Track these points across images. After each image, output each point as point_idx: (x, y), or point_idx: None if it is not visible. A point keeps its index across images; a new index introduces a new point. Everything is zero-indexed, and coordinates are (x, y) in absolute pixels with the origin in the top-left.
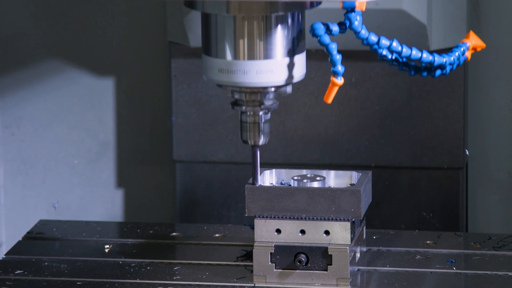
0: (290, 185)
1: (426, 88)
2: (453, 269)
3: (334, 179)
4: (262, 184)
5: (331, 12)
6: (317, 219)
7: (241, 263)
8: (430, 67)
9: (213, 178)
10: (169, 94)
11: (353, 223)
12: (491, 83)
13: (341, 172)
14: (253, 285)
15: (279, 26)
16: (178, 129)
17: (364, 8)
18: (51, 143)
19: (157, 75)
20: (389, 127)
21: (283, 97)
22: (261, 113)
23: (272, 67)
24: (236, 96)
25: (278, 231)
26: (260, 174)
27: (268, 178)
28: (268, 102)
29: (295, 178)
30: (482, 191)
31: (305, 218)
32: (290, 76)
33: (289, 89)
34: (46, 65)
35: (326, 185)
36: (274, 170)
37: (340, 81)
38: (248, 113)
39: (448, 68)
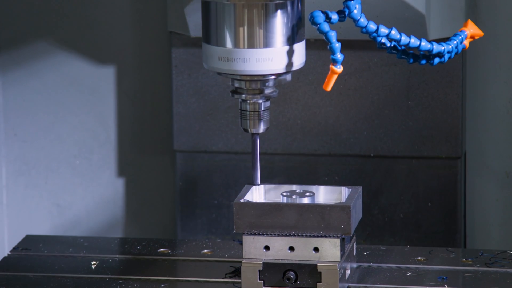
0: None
1: (424, 78)
2: (445, 286)
3: (323, 194)
4: (250, 200)
5: (330, 1)
6: (306, 235)
7: (229, 280)
8: (429, 55)
9: (213, 167)
10: (170, 84)
11: (343, 240)
12: (490, 75)
13: (330, 188)
14: None
15: (279, 14)
16: (178, 119)
17: None
18: (53, 143)
19: (157, 65)
20: (388, 117)
21: (283, 87)
22: (261, 101)
23: (271, 55)
24: (236, 84)
25: (267, 247)
26: (249, 190)
27: (256, 194)
28: (268, 90)
29: (284, 193)
30: (480, 180)
31: (294, 235)
32: (290, 64)
33: (288, 77)
34: (47, 63)
35: (316, 201)
36: (263, 185)
37: (339, 69)
38: (248, 101)
39: (446, 56)
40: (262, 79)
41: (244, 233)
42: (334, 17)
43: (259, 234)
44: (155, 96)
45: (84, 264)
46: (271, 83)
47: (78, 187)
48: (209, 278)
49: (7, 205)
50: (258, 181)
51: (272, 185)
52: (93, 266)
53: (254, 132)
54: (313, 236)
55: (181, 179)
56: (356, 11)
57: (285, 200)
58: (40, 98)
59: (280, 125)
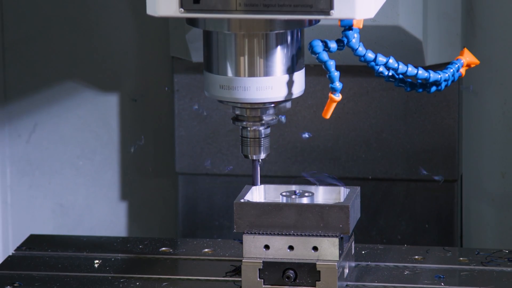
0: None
1: (421, 103)
2: (441, 285)
3: (322, 195)
4: (251, 200)
5: (329, 28)
6: (305, 235)
7: (230, 279)
8: (426, 84)
9: (214, 190)
10: (172, 108)
11: (341, 239)
12: (486, 96)
13: (329, 188)
14: None
15: (279, 44)
16: (180, 142)
17: (361, 26)
18: (56, 144)
19: (160, 88)
20: (386, 140)
21: (283, 112)
22: (261, 128)
23: (271, 84)
24: (237, 111)
25: (267, 247)
26: (249, 191)
27: (256, 194)
28: (268, 118)
29: (284, 194)
30: (476, 202)
31: (294, 234)
32: (290, 92)
33: (288, 104)
34: (52, 72)
35: (315, 201)
36: (263, 186)
37: (338, 97)
38: (249, 129)
39: (443, 85)
40: (262, 107)
41: (244, 233)
42: (333, 46)
43: (259, 234)
44: (157, 120)
45: (87, 263)
46: (271, 111)
47: (81, 187)
48: (210, 276)
49: (11, 205)
50: None
51: (272, 186)
52: (96, 265)
53: (254, 158)
54: (312, 235)
55: (182, 200)
56: (354, 40)
57: (284, 200)
58: (44, 100)
59: (280, 148)
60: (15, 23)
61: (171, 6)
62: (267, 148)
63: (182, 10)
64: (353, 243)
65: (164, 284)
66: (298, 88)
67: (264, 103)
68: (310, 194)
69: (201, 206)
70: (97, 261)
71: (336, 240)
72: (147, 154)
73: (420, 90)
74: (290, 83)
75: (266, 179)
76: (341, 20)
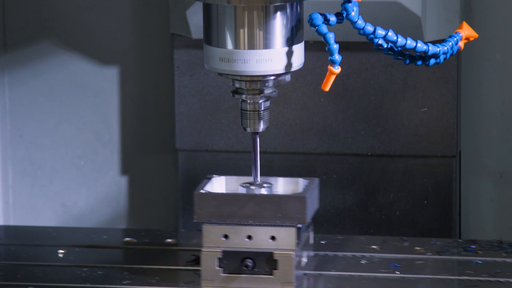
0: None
1: (420, 79)
2: (396, 273)
3: (282, 186)
4: (211, 191)
5: (328, 3)
6: (263, 225)
7: (190, 268)
8: (425, 56)
9: (214, 166)
10: (172, 85)
11: (298, 229)
12: (484, 77)
13: (289, 179)
14: None
15: (278, 16)
16: (180, 119)
17: None
18: (58, 144)
19: (159, 66)
20: (385, 117)
21: (282, 88)
22: (260, 101)
23: (271, 56)
24: (237, 84)
25: (226, 236)
26: (209, 182)
27: (217, 185)
28: (267, 90)
29: (243, 185)
30: (474, 178)
31: (252, 224)
32: (289, 65)
33: (288, 77)
34: (53, 65)
35: (273, 192)
36: (223, 177)
37: (337, 69)
38: (248, 101)
39: (442, 57)
40: (262, 79)
41: (204, 223)
42: (332, 19)
43: (218, 224)
44: (158, 97)
45: (52, 253)
46: (270, 84)
47: (82, 187)
48: (172, 266)
49: (13, 205)
50: (258, 179)
51: (234, 177)
52: (61, 255)
53: (254, 131)
54: (270, 225)
55: (183, 177)
56: (353, 13)
57: (244, 191)
58: (45, 100)
59: (279, 124)
60: (17, 23)
61: None
62: (267, 121)
63: None
64: (311, 233)
65: (126, 273)
66: (298, 61)
67: (263, 76)
68: (269, 185)
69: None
70: (61, 251)
71: (293, 230)
72: (148, 156)
73: (419, 62)
74: (289, 56)
75: (266, 155)
76: None
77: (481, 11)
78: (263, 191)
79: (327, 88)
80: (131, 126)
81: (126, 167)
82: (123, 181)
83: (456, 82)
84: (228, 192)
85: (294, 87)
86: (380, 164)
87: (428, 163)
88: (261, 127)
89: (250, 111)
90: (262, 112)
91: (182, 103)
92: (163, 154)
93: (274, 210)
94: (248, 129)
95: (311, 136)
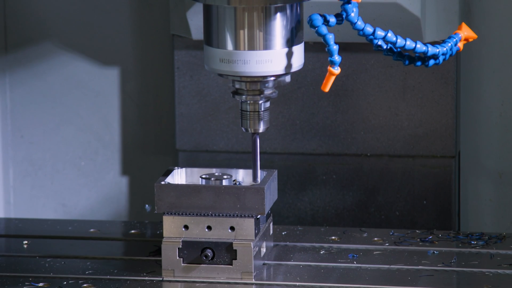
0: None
1: (419, 80)
2: (354, 263)
3: (241, 178)
4: (171, 182)
5: (328, 5)
6: (223, 215)
7: (152, 258)
8: (424, 57)
9: (214, 166)
10: (172, 85)
11: (257, 220)
12: (483, 78)
13: (248, 171)
14: (161, 278)
15: (278, 17)
16: (180, 120)
17: (360, 0)
18: (58, 145)
19: (160, 67)
20: (384, 117)
21: (283, 88)
22: (261, 101)
23: (271, 57)
24: (237, 85)
25: (186, 227)
26: (170, 174)
27: (177, 176)
28: (267, 91)
29: (203, 176)
30: (473, 179)
31: (212, 215)
32: (289, 66)
33: (288, 78)
34: (54, 66)
35: (232, 184)
36: (184, 169)
37: (337, 70)
38: (248, 102)
39: (441, 58)
40: (262, 80)
41: (164, 214)
42: (332, 20)
43: (178, 214)
44: (158, 98)
45: (17, 244)
46: (270, 84)
47: (83, 187)
48: (134, 256)
49: (14, 205)
50: (258, 180)
51: (195, 169)
52: (25, 246)
53: (254, 131)
54: (230, 216)
55: None
56: (353, 14)
57: (203, 182)
58: (46, 101)
59: (279, 125)
60: (18, 24)
61: None
62: (267, 122)
63: None
64: (271, 223)
65: (89, 264)
66: (298, 62)
67: (263, 76)
68: (228, 177)
69: None
70: (26, 242)
71: (252, 221)
72: (149, 156)
73: (419, 63)
74: (289, 57)
75: (266, 156)
76: None
77: (480, 12)
78: (223, 183)
79: (327, 89)
80: (131, 126)
81: (127, 168)
82: (123, 181)
83: (455, 83)
84: (188, 183)
85: (294, 88)
86: (379, 164)
87: (427, 164)
88: (261, 127)
89: (250, 111)
90: (262, 112)
91: (182, 104)
92: (164, 155)
93: (233, 201)
94: (249, 130)
95: (311, 137)
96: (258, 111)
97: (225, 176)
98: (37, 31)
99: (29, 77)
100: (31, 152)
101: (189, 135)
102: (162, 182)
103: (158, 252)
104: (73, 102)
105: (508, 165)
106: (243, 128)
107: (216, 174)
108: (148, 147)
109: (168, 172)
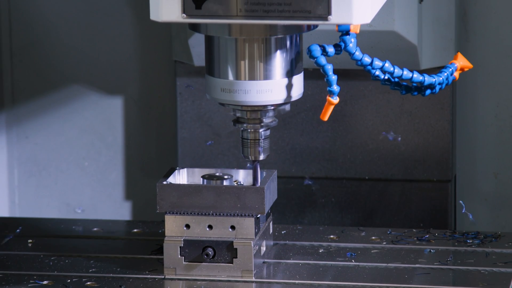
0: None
1: (416, 105)
2: (352, 262)
3: (241, 178)
4: (173, 182)
5: (327, 33)
6: (223, 215)
7: (154, 256)
8: (421, 87)
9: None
10: (175, 110)
11: (257, 219)
12: (479, 105)
13: (248, 171)
14: (163, 277)
15: (278, 48)
16: (182, 143)
17: (358, 31)
18: (62, 146)
19: (163, 92)
20: (382, 142)
21: (282, 114)
22: (261, 130)
23: (271, 87)
24: (238, 114)
25: (187, 226)
26: (172, 174)
27: (179, 177)
28: (267, 120)
29: (205, 176)
30: (469, 201)
31: (213, 214)
32: (289, 95)
33: (287, 107)
34: (59, 76)
35: (233, 183)
36: (185, 169)
37: (335, 100)
38: (249, 130)
39: (437, 88)
40: (262, 109)
41: (166, 213)
42: (331, 50)
43: (180, 214)
44: (160, 122)
45: (21, 243)
46: (271, 113)
47: (86, 187)
48: (136, 255)
49: (19, 205)
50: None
51: (196, 169)
52: (30, 244)
53: (254, 159)
54: (230, 215)
55: None
56: (351, 44)
57: (204, 182)
58: (50, 103)
59: (279, 149)
60: (23, 28)
61: (174, 11)
62: (267, 150)
63: (185, 15)
64: (271, 223)
65: (92, 262)
66: (297, 91)
67: (264, 106)
68: (229, 177)
69: None
70: (30, 240)
71: (252, 220)
72: (150, 156)
73: (415, 93)
74: (289, 86)
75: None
76: (338, 25)
77: (476, 40)
78: (223, 183)
79: (326, 118)
80: (134, 128)
81: (129, 168)
82: (126, 181)
83: (451, 109)
84: (189, 183)
85: (294, 113)
86: (377, 188)
87: (424, 187)
88: (262, 155)
89: (250, 139)
90: (262, 141)
91: (184, 128)
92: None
93: (233, 201)
94: (249, 157)
95: (310, 161)
96: (259, 139)
97: (225, 176)
98: (42, 34)
99: (34, 79)
100: (36, 152)
101: (191, 159)
102: (164, 182)
103: (160, 250)
104: (77, 103)
105: (503, 166)
106: (243, 155)
107: (217, 174)
108: (151, 169)
109: (170, 172)
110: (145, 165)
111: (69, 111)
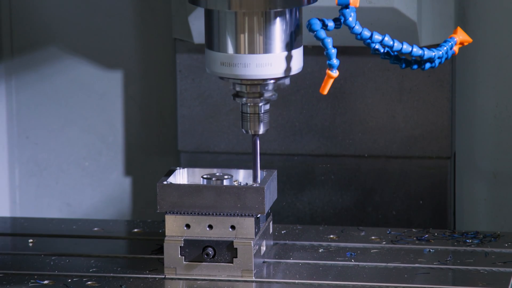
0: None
1: (416, 83)
2: (352, 261)
3: (241, 178)
4: (173, 182)
5: (326, 9)
6: (224, 214)
7: (154, 256)
8: (420, 61)
9: (215, 167)
10: (174, 88)
11: (257, 219)
12: (478, 81)
13: (248, 171)
14: (163, 276)
15: (278, 22)
16: (182, 121)
17: (357, 5)
18: (63, 146)
19: (162, 70)
20: (381, 119)
21: (282, 91)
22: (261, 104)
23: (271, 61)
24: (237, 88)
25: (188, 226)
26: (172, 174)
27: (179, 177)
28: (267, 94)
29: (205, 176)
30: (468, 179)
31: (213, 214)
32: (288, 69)
33: (287, 81)
34: (58, 69)
35: (233, 183)
36: (186, 169)
37: (335, 73)
38: (249, 104)
39: (437, 62)
40: (262, 83)
41: (166, 213)
42: (330, 24)
43: (180, 214)
44: (160, 100)
45: (22, 242)
46: (270, 87)
47: (87, 187)
48: (137, 254)
49: (20, 205)
50: (258, 180)
51: (196, 169)
52: (30, 244)
53: (254, 133)
54: (230, 215)
55: None
56: (351, 18)
57: (205, 182)
58: (51, 103)
59: (279, 126)
60: (24, 28)
61: None
62: (267, 124)
63: None
64: (271, 222)
65: (93, 261)
66: (297, 65)
67: (263, 79)
68: (229, 177)
69: None
70: (31, 240)
71: (252, 220)
72: (150, 157)
73: (415, 67)
74: (289, 60)
75: (266, 157)
76: None
77: (474, 16)
78: (223, 183)
79: (325, 92)
80: (134, 128)
81: (130, 169)
82: (126, 181)
83: (450, 86)
84: (189, 183)
85: (293, 90)
86: (377, 165)
87: (423, 164)
88: (261, 129)
89: (250, 113)
90: (262, 114)
91: (184, 106)
92: (166, 156)
93: (233, 201)
94: (249, 131)
95: (309, 138)
96: (258, 113)
97: (226, 176)
98: (43, 34)
99: (35, 79)
100: (36, 152)
101: (191, 137)
102: (164, 182)
103: (160, 250)
104: (77, 104)
105: (502, 165)
106: (243, 129)
107: (217, 174)
108: (150, 147)
109: (170, 172)
110: (146, 165)
111: (70, 111)
